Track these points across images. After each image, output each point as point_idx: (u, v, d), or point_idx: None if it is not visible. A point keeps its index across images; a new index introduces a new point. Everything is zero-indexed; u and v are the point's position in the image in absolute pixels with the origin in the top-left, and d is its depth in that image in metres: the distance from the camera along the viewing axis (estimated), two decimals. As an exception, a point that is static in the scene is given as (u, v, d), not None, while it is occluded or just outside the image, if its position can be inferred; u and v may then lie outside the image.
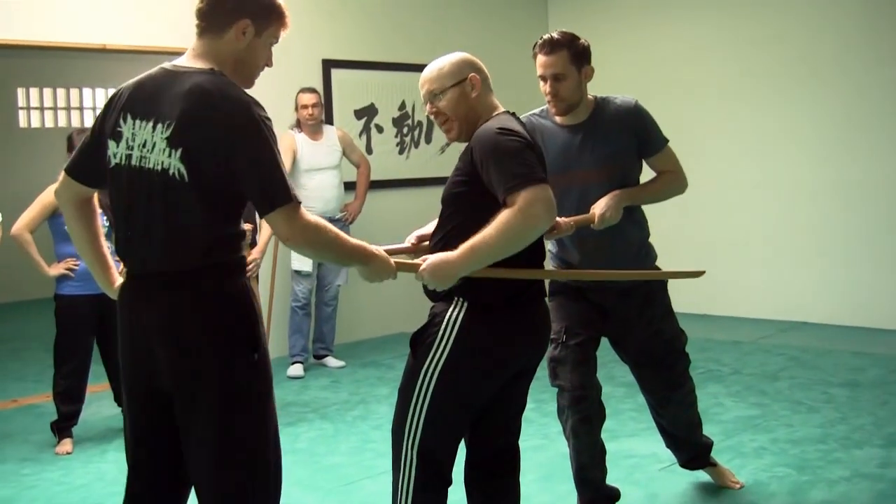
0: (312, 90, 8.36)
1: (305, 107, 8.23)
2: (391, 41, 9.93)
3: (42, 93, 14.50)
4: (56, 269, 6.19)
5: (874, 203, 9.37)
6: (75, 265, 6.15)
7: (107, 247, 3.50)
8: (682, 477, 5.31)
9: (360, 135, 9.63)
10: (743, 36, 10.04)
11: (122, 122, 3.12)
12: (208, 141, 2.96)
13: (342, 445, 6.23)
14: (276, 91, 8.76)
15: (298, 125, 8.32)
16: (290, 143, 8.20)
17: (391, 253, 3.43)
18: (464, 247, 3.28)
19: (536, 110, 4.70)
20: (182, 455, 3.16)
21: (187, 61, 3.16)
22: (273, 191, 2.98)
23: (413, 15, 10.12)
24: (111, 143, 3.15)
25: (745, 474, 5.38)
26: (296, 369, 8.23)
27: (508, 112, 3.64)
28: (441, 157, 10.05)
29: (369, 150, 9.63)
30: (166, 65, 3.18)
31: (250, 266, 6.66)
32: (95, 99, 14.84)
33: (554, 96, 4.47)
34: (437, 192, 3.81)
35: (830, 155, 9.58)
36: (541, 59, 4.48)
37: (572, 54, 4.43)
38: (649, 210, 4.71)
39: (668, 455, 5.39)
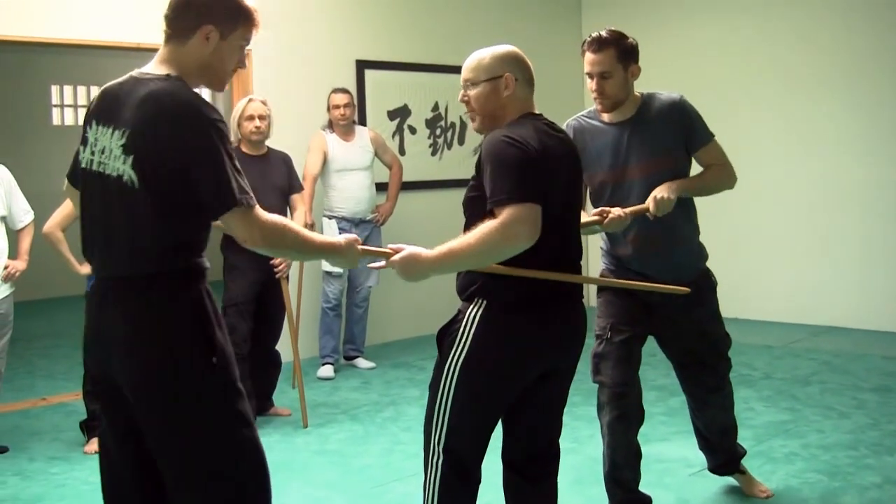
0: (345, 90, 8.37)
1: (337, 107, 8.24)
2: (425, 42, 9.94)
3: (76, 90, 14.59)
4: (87, 268, 6.22)
5: (908, 207, 9.32)
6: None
7: None
8: (712, 482, 5.30)
9: (393, 136, 9.64)
10: (775, 38, 10.01)
11: (89, 127, 3.18)
12: (160, 147, 2.97)
13: (372, 447, 6.24)
14: (309, 91, 8.83)
15: (330, 125, 8.33)
16: (321, 143, 8.22)
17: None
18: (441, 248, 3.32)
19: (584, 111, 4.77)
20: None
21: (152, 68, 3.16)
22: (224, 193, 2.99)
23: (447, 15, 10.13)
24: (80, 148, 3.21)
25: (776, 480, 5.36)
26: (326, 370, 8.24)
27: (537, 116, 3.62)
28: (474, 158, 10.04)
29: (402, 152, 9.64)
30: (134, 72, 3.18)
31: (280, 267, 6.68)
32: None
33: (600, 93, 4.53)
34: (469, 195, 3.81)
35: (863, 157, 9.54)
36: (588, 56, 4.53)
37: (619, 52, 4.48)
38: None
39: (698, 460, 5.38)
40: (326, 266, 8.26)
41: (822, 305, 9.87)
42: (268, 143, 6.88)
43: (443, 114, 10.06)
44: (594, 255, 8.11)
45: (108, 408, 3.25)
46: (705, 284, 4.84)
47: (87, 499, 5.44)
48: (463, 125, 10.22)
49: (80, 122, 13.93)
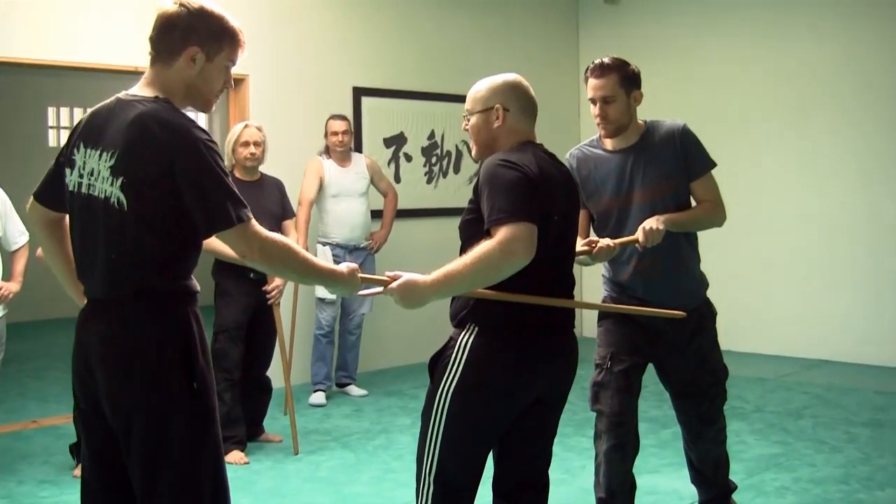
0: (342, 117, 8.39)
1: (335, 133, 8.25)
2: (422, 70, 9.97)
3: (73, 112, 14.62)
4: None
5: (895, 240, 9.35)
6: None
7: None
8: (703, 514, 5.28)
9: (389, 163, 9.66)
10: (777, 69, 10.04)
11: (76, 150, 3.17)
12: (149, 170, 2.97)
13: (363, 475, 6.22)
14: (306, 117, 8.86)
15: (327, 151, 8.34)
16: (318, 169, 8.23)
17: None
18: (438, 272, 3.30)
19: (586, 141, 4.80)
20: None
21: (138, 89, 3.17)
22: (223, 209, 2.98)
23: (444, 44, 10.17)
24: (67, 171, 3.20)
25: (767, 514, 5.35)
26: (318, 397, 8.23)
27: (536, 145, 3.66)
28: (469, 186, 10.07)
29: (397, 179, 9.65)
30: (120, 94, 3.19)
31: (272, 293, 6.68)
32: None
33: (603, 118, 4.56)
34: (465, 223, 3.82)
35: (855, 192, 9.57)
36: (591, 81, 4.57)
37: (622, 78, 4.53)
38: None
39: (689, 492, 5.38)
40: (320, 293, 8.25)
41: (814, 339, 9.87)
42: (263, 168, 6.88)
43: (439, 142, 10.08)
44: (587, 284, 8.12)
45: (87, 431, 3.24)
46: (707, 312, 4.86)
47: (75, 523, 5.42)
48: (459, 153, 10.24)
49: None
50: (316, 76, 9.13)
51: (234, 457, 6.43)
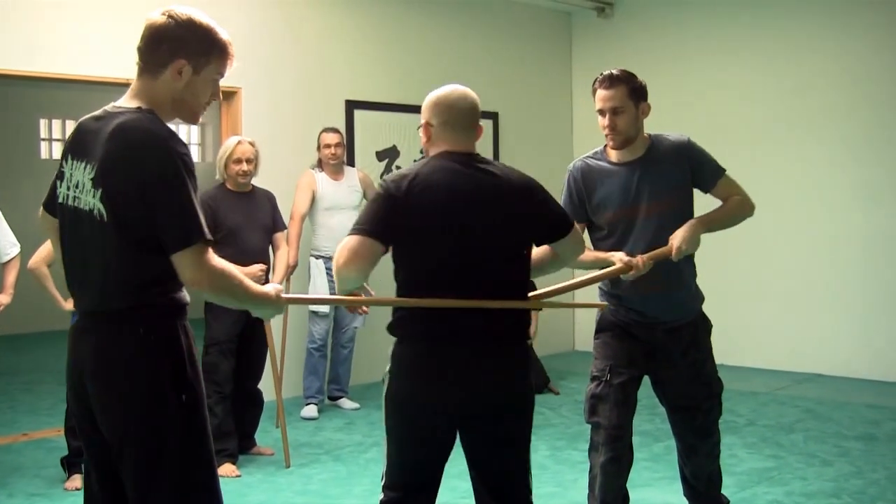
0: (335, 130, 8.40)
1: (328, 146, 8.26)
2: (414, 83, 9.96)
3: (65, 124, 14.65)
4: (70, 304, 6.19)
5: (890, 255, 9.36)
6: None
7: None
8: (695, 528, 5.28)
9: (382, 176, 9.65)
10: (767, 82, 10.07)
11: (65, 162, 3.17)
12: (126, 181, 2.96)
13: (355, 488, 6.21)
14: (298, 130, 8.87)
15: (320, 164, 8.35)
16: (310, 182, 8.24)
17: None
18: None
19: (590, 152, 4.83)
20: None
21: (124, 101, 3.16)
22: (185, 229, 2.95)
23: (436, 57, 10.18)
24: (58, 183, 3.21)
25: (759, 527, 5.35)
26: (310, 410, 8.22)
27: (451, 153, 3.73)
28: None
29: (389, 192, 9.63)
30: (108, 105, 3.18)
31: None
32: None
33: (612, 129, 4.61)
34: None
35: (847, 208, 9.60)
36: (600, 93, 4.66)
37: (630, 90, 4.61)
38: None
39: (681, 505, 5.38)
40: (312, 306, 8.25)
41: (807, 353, 9.88)
42: (255, 181, 6.88)
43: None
44: (580, 295, 8.12)
45: (87, 443, 3.23)
46: (702, 326, 4.89)
47: (66, 536, 5.41)
48: (451, 167, 10.23)
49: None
50: (308, 89, 9.14)
51: (225, 469, 6.41)
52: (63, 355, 3.21)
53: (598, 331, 4.82)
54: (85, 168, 3.05)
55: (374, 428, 7.74)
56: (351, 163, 9.08)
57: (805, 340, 9.91)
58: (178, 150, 2.98)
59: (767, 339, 10.10)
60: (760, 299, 10.11)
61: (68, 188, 3.12)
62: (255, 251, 6.67)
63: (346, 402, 8.56)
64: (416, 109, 9.81)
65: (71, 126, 14.22)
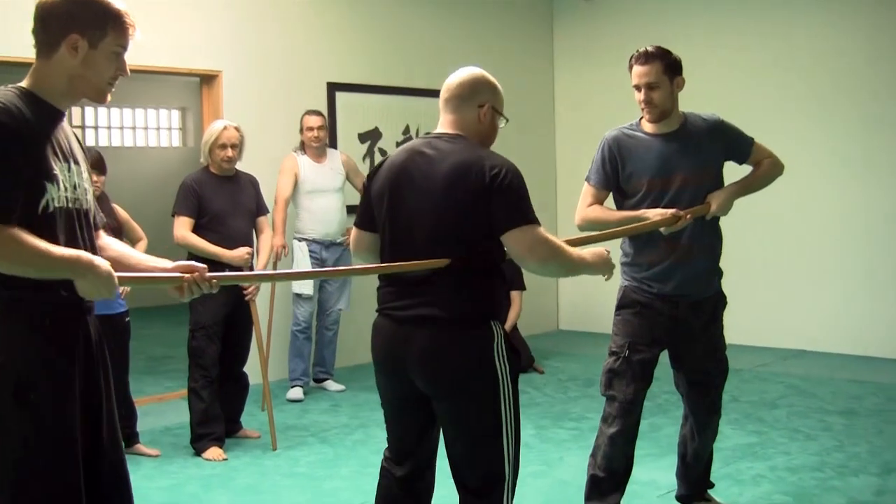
0: (318, 112, 8.40)
1: (311, 129, 8.26)
2: (396, 65, 9.97)
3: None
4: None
5: (872, 233, 9.42)
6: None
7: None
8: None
9: (364, 158, 9.65)
10: (750, 65, 10.11)
11: None
12: None
13: (342, 469, 6.24)
14: (280, 113, 8.86)
15: (302, 147, 8.34)
16: (293, 166, 8.24)
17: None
18: None
19: (624, 124, 4.91)
20: None
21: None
22: None
23: (418, 39, 10.17)
24: None
25: (743, 502, 5.40)
26: (295, 392, 8.23)
27: (427, 135, 3.78)
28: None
29: (372, 174, 9.63)
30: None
31: (249, 289, 6.68)
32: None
33: (648, 103, 4.72)
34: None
35: (831, 185, 9.65)
36: (636, 69, 4.75)
37: (665, 65, 4.73)
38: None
39: (666, 482, 5.42)
40: (296, 288, 8.26)
41: (789, 330, 9.95)
42: (237, 164, 6.86)
43: (414, 136, 10.05)
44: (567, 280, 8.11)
45: None
46: (721, 302, 5.02)
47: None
48: (433, 148, 10.23)
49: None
50: (289, 72, 9.12)
51: (212, 453, 6.44)
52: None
53: (619, 307, 4.88)
54: None
55: (360, 410, 7.77)
56: (333, 145, 9.07)
57: (788, 317, 9.97)
58: None
59: (751, 317, 10.13)
60: (744, 277, 10.13)
61: None
62: (239, 236, 6.67)
63: (331, 385, 8.58)
64: (397, 91, 9.94)
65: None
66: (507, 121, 3.80)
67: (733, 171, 4.93)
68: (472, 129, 3.69)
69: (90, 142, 14.51)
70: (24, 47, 3.32)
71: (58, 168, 2.96)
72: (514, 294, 9.08)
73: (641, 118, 4.83)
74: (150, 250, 6.65)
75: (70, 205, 2.99)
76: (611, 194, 4.89)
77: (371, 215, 3.75)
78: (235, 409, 6.97)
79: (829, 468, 5.98)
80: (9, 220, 2.77)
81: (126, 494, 3.23)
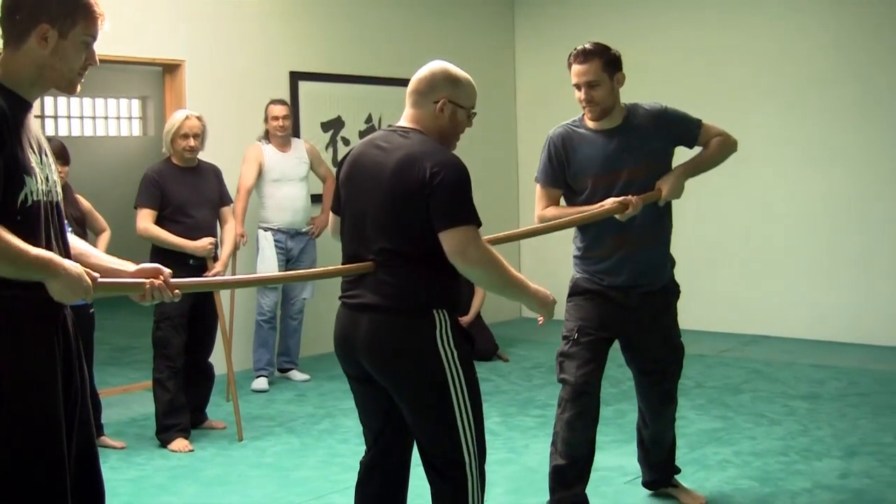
0: (283, 102, 8.37)
1: (276, 118, 8.22)
2: (358, 54, 9.94)
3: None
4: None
5: (831, 218, 9.50)
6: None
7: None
8: (647, 490, 5.35)
9: (327, 148, 9.63)
10: (714, 56, 10.14)
11: None
12: None
13: (310, 459, 6.23)
14: (242, 103, 8.82)
15: (267, 136, 8.31)
16: (257, 155, 8.20)
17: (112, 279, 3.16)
18: None
19: (570, 120, 4.90)
20: None
21: None
22: None
23: (380, 28, 10.14)
24: None
25: (709, 487, 5.43)
26: (260, 383, 8.21)
27: (388, 127, 3.86)
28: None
29: (336, 163, 9.62)
30: None
31: (210, 274, 6.65)
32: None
33: (589, 102, 4.69)
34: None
35: (790, 173, 9.71)
36: (575, 68, 4.69)
37: (604, 62, 4.67)
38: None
39: (633, 468, 5.45)
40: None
41: (752, 315, 10.01)
42: (200, 153, 6.83)
43: (376, 125, 10.04)
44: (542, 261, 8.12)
45: None
46: (673, 291, 5.03)
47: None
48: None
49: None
50: (252, 61, 9.08)
51: (178, 444, 6.42)
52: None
53: (570, 294, 4.90)
54: None
55: (326, 399, 7.76)
56: (296, 134, 9.03)
57: (751, 303, 10.03)
58: None
59: (714, 303, 10.19)
60: (707, 264, 10.20)
61: None
62: (202, 226, 6.64)
63: (296, 374, 8.56)
64: (360, 80, 9.91)
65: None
66: (475, 114, 3.79)
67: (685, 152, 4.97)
68: (429, 124, 3.69)
69: (50, 132, 14.42)
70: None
71: (34, 160, 2.93)
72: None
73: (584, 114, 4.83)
74: (112, 241, 6.72)
75: (45, 198, 2.97)
76: None
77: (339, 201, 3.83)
78: (201, 399, 6.95)
79: (793, 452, 6.03)
80: None
81: (99, 488, 3.23)
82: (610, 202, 4.58)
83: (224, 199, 6.93)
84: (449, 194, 3.49)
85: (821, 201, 9.54)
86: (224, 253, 6.88)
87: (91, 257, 3.24)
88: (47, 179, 2.99)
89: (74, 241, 3.27)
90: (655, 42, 10.49)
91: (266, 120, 8.29)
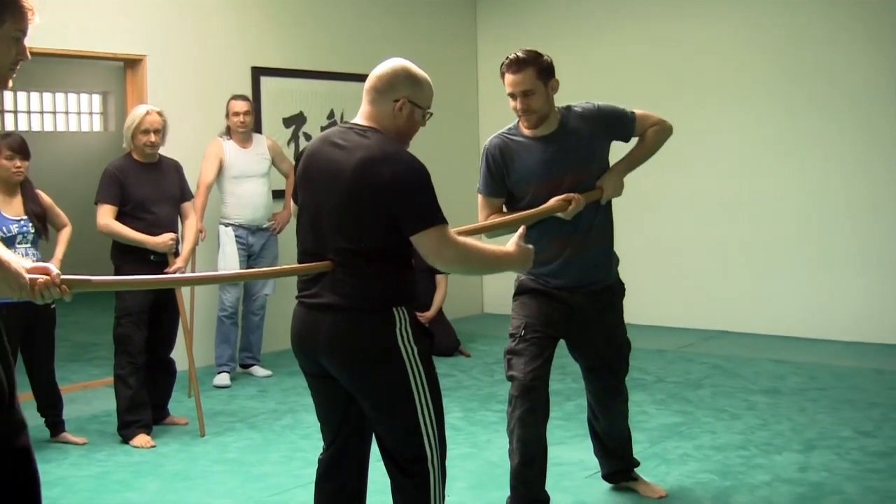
0: (244, 97, 8.35)
1: (237, 114, 8.20)
2: (320, 50, 9.93)
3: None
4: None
5: (790, 215, 9.56)
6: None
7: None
8: (608, 484, 5.38)
9: (289, 143, 9.62)
10: (675, 51, 10.19)
11: None
12: None
13: (272, 455, 6.23)
14: (204, 98, 8.79)
15: (228, 132, 8.29)
16: (217, 151, 8.18)
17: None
18: None
19: (505, 129, 4.89)
20: None
21: None
22: None
23: (342, 24, 10.13)
24: None
25: (670, 481, 5.47)
26: (222, 378, 8.19)
27: (344, 124, 3.83)
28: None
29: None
30: None
31: (170, 270, 6.62)
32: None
33: (525, 111, 4.67)
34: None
35: (746, 168, 9.77)
36: (509, 77, 4.68)
37: (538, 70, 4.64)
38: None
39: (594, 463, 5.47)
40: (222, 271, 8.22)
41: (712, 311, 10.07)
42: (161, 149, 6.80)
43: (338, 121, 10.02)
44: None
45: None
46: (618, 290, 5.07)
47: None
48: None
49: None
50: (214, 56, 9.05)
51: (140, 440, 6.40)
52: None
53: (516, 293, 4.93)
54: None
55: (288, 395, 7.75)
56: (258, 130, 9.01)
57: (711, 299, 10.09)
58: None
59: (674, 298, 10.26)
60: (666, 260, 10.26)
61: None
62: (164, 222, 6.62)
63: (258, 370, 8.55)
64: (322, 76, 9.89)
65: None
66: (431, 114, 3.79)
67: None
68: (387, 123, 3.67)
69: (10, 126, 14.32)
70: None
71: None
72: (440, 278, 9.10)
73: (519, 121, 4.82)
74: (73, 237, 6.68)
75: None
76: None
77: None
78: (163, 395, 6.92)
79: (753, 446, 6.08)
80: None
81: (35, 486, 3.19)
82: (553, 200, 4.60)
83: (185, 194, 6.91)
84: (414, 198, 3.49)
85: (780, 199, 9.60)
86: (185, 249, 6.85)
87: None
88: None
89: None
90: (621, 38, 10.53)
91: (227, 115, 8.26)
